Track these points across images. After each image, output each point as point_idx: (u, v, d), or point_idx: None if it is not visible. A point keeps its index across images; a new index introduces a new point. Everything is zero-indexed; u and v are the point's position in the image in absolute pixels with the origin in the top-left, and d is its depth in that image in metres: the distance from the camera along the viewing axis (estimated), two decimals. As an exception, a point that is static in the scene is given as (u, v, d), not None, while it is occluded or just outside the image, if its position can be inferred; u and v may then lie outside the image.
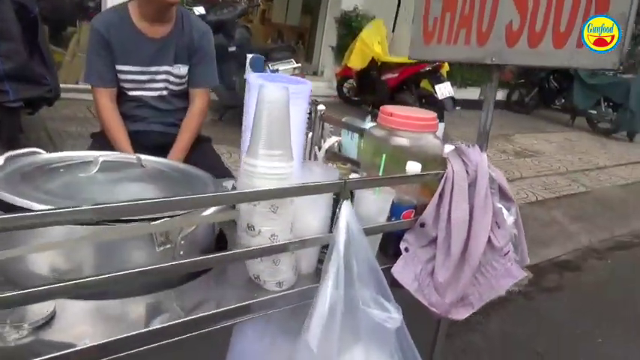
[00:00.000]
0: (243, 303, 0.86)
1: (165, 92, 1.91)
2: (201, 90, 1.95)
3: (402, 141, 1.13)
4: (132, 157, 1.03)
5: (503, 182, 1.19)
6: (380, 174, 1.08)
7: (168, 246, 0.85)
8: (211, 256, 0.78)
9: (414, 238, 1.11)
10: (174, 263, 0.74)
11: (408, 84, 5.61)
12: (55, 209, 0.59)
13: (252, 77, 0.94)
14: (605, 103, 7.71)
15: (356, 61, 5.85)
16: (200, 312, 0.84)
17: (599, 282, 3.16)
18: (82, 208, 0.61)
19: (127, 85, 1.86)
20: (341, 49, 6.95)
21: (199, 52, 1.90)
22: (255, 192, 0.80)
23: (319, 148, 1.46)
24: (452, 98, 5.32)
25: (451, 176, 1.09)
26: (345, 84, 6.64)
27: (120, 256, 0.84)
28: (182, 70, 1.89)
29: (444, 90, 5.17)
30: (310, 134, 1.45)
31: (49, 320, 0.73)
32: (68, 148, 3.63)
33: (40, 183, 0.89)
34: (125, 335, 0.73)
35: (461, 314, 1.16)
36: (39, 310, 0.73)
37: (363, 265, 0.92)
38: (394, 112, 1.15)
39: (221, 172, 1.93)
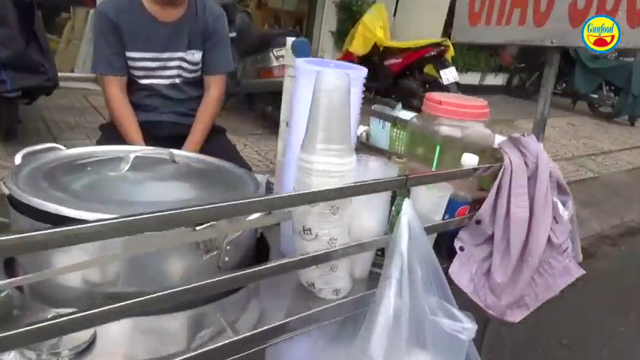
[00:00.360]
0: (299, 315, 0.78)
1: (178, 80, 1.80)
2: (217, 77, 1.84)
3: (453, 131, 1.04)
4: (163, 151, 0.93)
5: (560, 174, 1.11)
6: (434, 167, 1.00)
7: (215, 252, 0.76)
8: (268, 265, 0.69)
9: (468, 236, 1.03)
10: (230, 276, 0.65)
11: (411, 69, 5.49)
12: (113, 219, 0.50)
13: (301, 63, 0.84)
14: (607, 87, 7.64)
15: (358, 46, 5.72)
16: (252, 328, 0.75)
17: (616, 269, 3.11)
18: (143, 216, 0.52)
19: (137, 73, 1.75)
20: (341, 35, 6.80)
21: (214, 36, 1.79)
22: (315, 193, 0.71)
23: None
24: (456, 83, 5.22)
25: (509, 169, 1.01)
26: (346, 70, 6.50)
27: (161, 264, 0.75)
28: (196, 56, 1.78)
29: (449, 75, 5.07)
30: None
31: (90, 344, 0.64)
32: (67, 139, 3.52)
33: (68, 184, 0.79)
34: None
35: (516, 316, 1.09)
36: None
37: (427, 268, 0.84)
38: (443, 99, 1.06)
39: (239, 164, 1.84)
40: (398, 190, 0.85)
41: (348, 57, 6.20)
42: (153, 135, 1.80)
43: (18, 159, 0.89)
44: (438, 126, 1.05)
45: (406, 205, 0.83)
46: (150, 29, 1.70)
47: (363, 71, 0.86)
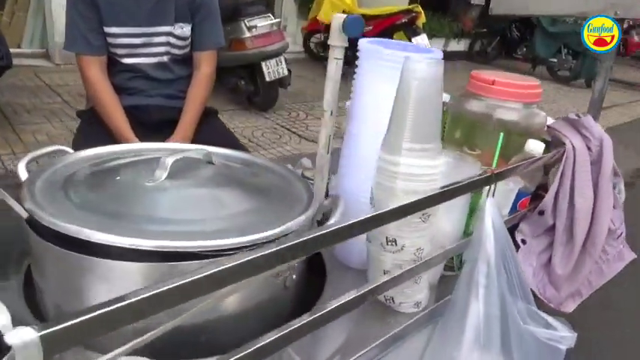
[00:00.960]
0: (385, 337, 0.68)
1: (165, 58, 1.62)
2: (208, 53, 1.66)
3: (511, 115, 0.95)
4: (197, 149, 0.79)
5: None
6: (495, 157, 0.91)
7: (287, 274, 0.66)
8: (367, 289, 0.59)
9: (528, 227, 0.96)
10: (326, 310, 0.55)
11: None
12: (213, 270, 0.39)
13: (365, 45, 0.72)
14: (566, 51, 7.80)
15: (326, 14, 5.50)
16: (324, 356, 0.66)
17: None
18: (240, 262, 0.41)
19: (119, 52, 1.56)
20: (304, 1, 6.56)
21: (203, 7, 1.61)
22: (415, 203, 0.60)
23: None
24: (428, 51, 5.15)
25: (572, 154, 0.93)
26: (312, 39, 6.29)
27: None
28: (185, 30, 1.59)
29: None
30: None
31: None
32: (26, 124, 3.20)
33: (100, 200, 0.65)
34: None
35: (570, 306, 1.05)
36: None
37: (511, 271, 0.76)
38: (497, 79, 0.97)
39: (237, 148, 1.69)
40: (484, 188, 0.76)
41: (315, 25, 5.99)
42: (140, 121, 1.62)
43: (22, 170, 0.72)
44: (492, 109, 0.96)
45: (489, 204, 0.74)
46: (131, 0, 1.50)
47: (438, 54, 0.75)
